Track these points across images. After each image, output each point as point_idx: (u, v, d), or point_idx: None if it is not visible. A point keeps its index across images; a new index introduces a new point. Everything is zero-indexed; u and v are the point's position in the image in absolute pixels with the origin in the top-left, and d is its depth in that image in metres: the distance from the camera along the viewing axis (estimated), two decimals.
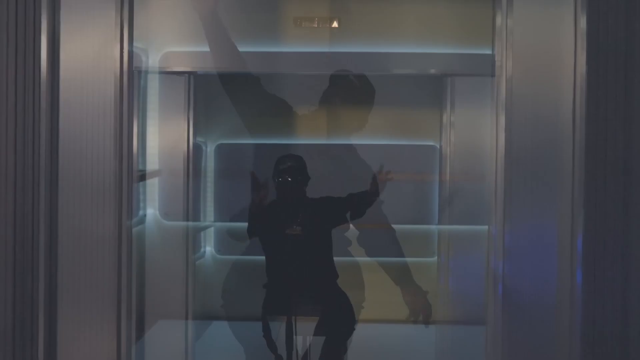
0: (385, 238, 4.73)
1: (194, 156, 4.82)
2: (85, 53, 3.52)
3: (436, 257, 5.15)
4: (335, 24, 4.64)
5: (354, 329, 4.42)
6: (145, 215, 4.61)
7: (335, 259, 4.59)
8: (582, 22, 3.39)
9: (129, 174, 3.57)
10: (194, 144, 4.81)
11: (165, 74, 4.65)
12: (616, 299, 3.41)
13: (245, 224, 4.51)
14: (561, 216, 3.46)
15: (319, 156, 4.59)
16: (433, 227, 5.13)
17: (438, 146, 5.00)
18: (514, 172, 3.48)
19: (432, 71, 4.86)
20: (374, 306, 4.80)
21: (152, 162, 4.67)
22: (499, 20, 3.50)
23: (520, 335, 3.49)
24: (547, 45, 3.46)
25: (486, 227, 3.82)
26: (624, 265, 3.41)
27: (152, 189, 4.71)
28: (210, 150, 4.97)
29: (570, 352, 3.44)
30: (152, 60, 4.54)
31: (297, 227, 4.33)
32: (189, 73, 4.73)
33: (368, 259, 4.80)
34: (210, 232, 5.10)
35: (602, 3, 3.38)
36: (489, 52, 3.70)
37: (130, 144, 3.59)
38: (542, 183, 3.48)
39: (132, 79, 3.59)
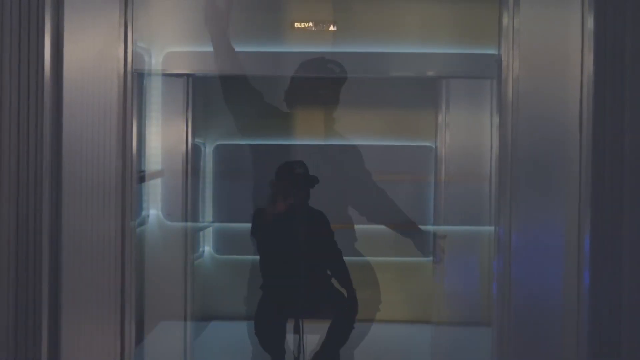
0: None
1: (193, 157, 4.80)
2: (89, 53, 3.51)
3: (431, 257, 5.13)
4: (332, 27, 4.62)
5: (352, 329, 4.40)
6: (148, 216, 4.58)
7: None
8: (589, 23, 3.40)
9: (132, 175, 3.57)
10: (193, 145, 4.80)
11: (166, 75, 4.63)
12: (624, 300, 3.42)
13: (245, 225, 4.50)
14: (568, 216, 3.46)
15: (316, 157, 4.56)
16: (428, 227, 5.11)
17: (434, 147, 4.98)
18: (520, 172, 3.47)
19: (429, 73, 4.85)
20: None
21: (155, 162, 4.63)
22: (505, 20, 3.49)
23: (526, 336, 3.48)
24: (554, 46, 3.45)
25: (484, 227, 3.80)
26: (631, 266, 3.42)
27: (155, 189, 4.67)
28: (209, 150, 4.95)
29: (577, 353, 3.45)
30: (155, 61, 4.51)
31: (292, 232, 4.33)
32: (188, 75, 4.72)
33: (380, 258, 4.79)
34: (209, 232, 5.07)
35: (609, 4, 3.39)
36: (489, 52, 3.69)
37: (134, 144, 3.58)
38: (549, 183, 3.47)
39: (135, 80, 3.59)
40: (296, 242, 4.35)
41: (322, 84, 4.62)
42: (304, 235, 4.37)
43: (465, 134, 4.86)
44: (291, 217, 4.32)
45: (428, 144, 5.03)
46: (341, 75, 4.60)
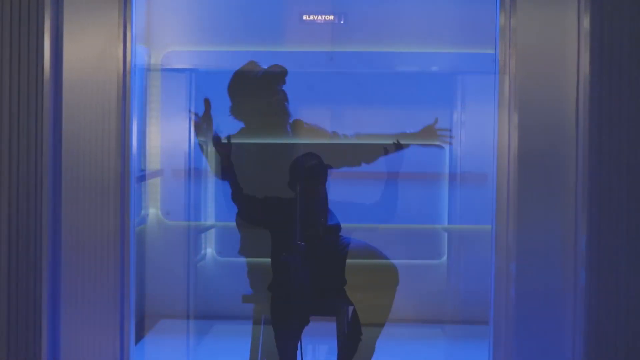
0: None
1: (195, 156, 4.83)
2: (88, 53, 3.56)
3: (445, 258, 5.17)
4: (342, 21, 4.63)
5: (360, 339, 4.42)
6: (147, 215, 4.57)
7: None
8: (586, 22, 3.43)
9: (132, 174, 3.61)
10: (195, 144, 4.82)
11: (167, 70, 4.63)
12: (620, 300, 3.45)
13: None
14: (565, 215, 3.50)
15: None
16: (442, 226, 5.11)
17: (445, 146, 4.95)
18: (517, 170, 3.52)
19: (434, 69, 4.85)
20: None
21: (154, 161, 4.63)
22: (502, 19, 3.54)
23: (524, 334, 3.53)
24: (551, 45, 3.49)
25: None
26: (627, 266, 3.45)
27: (154, 188, 4.67)
28: (211, 149, 4.95)
29: (573, 352, 3.49)
30: (155, 58, 4.53)
31: (310, 229, 4.38)
32: (191, 70, 4.73)
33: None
34: (211, 233, 5.09)
35: (605, 3, 3.42)
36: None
37: (133, 143, 3.62)
38: (546, 182, 3.51)
39: (134, 79, 3.62)
40: (309, 243, 4.38)
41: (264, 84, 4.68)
42: (316, 230, 4.42)
43: (478, 132, 4.86)
44: (303, 215, 4.39)
45: (439, 143, 5.02)
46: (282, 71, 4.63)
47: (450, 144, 4.81)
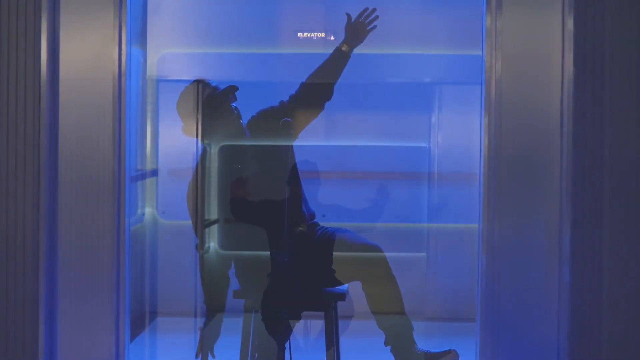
0: None
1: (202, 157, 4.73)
2: (85, 54, 3.39)
3: (425, 253, 4.99)
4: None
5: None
6: (143, 214, 4.47)
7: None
8: (569, 24, 3.26)
9: (127, 173, 3.44)
10: (201, 145, 4.72)
11: (164, 72, 4.54)
12: (603, 296, 3.28)
13: None
14: (549, 214, 3.32)
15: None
16: (423, 224, 5.00)
17: (428, 147, 4.89)
18: (503, 171, 3.33)
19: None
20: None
21: (151, 161, 4.53)
22: (488, 21, 3.35)
23: (509, 331, 3.34)
24: (535, 47, 3.32)
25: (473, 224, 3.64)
26: (611, 264, 3.28)
27: (151, 188, 4.57)
28: (214, 151, 4.87)
29: (558, 348, 3.30)
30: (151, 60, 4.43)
31: (301, 225, 4.15)
32: (198, 81, 4.64)
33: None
34: (214, 228, 4.98)
35: (588, 5, 3.26)
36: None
37: (129, 143, 3.45)
38: (531, 182, 3.33)
39: (130, 80, 3.46)
40: (302, 240, 4.16)
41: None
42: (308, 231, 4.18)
43: (457, 134, 4.78)
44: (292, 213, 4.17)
45: (423, 145, 4.93)
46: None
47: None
